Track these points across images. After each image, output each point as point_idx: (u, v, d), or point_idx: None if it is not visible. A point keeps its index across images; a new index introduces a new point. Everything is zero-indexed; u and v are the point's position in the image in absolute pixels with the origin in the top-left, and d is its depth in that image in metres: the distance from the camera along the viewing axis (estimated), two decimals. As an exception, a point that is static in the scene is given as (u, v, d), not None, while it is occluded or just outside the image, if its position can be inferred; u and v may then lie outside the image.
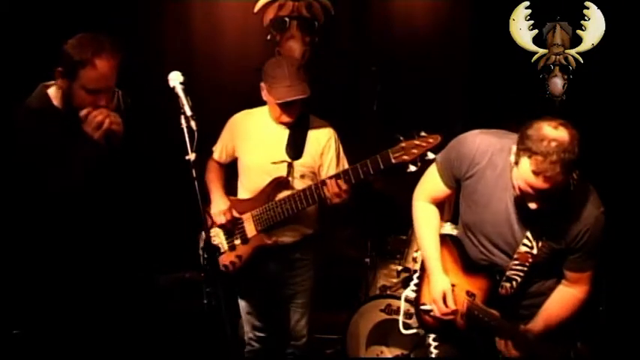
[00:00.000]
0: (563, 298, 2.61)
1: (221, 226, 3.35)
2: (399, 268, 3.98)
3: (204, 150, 3.35)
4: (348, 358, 3.91)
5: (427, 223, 2.83)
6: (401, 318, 2.99)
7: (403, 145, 3.00)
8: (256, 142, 3.31)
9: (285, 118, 3.23)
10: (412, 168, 3.00)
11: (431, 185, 2.79)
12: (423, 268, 2.86)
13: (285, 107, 3.18)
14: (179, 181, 2.47)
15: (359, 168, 3.09)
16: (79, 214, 2.67)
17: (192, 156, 2.42)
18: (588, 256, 2.53)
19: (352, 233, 4.54)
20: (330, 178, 3.14)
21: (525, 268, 2.56)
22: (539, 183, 2.31)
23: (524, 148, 2.31)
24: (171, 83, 2.53)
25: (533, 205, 2.38)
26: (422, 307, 2.81)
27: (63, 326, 2.71)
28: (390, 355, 3.84)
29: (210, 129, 3.34)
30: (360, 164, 3.09)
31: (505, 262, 2.60)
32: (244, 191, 3.39)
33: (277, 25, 4.58)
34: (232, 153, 3.40)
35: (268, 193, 3.28)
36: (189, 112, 2.45)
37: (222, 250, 3.35)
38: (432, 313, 2.77)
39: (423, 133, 3.00)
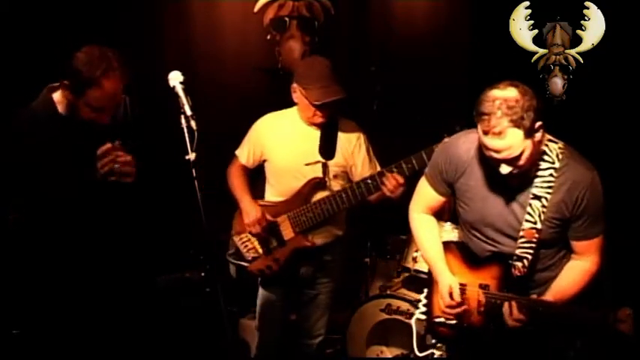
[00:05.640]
0: (573, 272, 2.59)
1: (255, 234, 3.31)
2: (399, 268, 3.99)
3: (204, 150, 3.34)
4: (348, 358, 3.91)
5: (426, 234, 2.84)
6: (415, 342, 2.99)
7: (447, 140, 2.99)
8: (288, 144, 3.27)
9: (319, 119, 3.21)
10: None
11: (424, 197, 2.82)
12: (431, 285, 2.84)
13: (320, 108, 3.16)
14: (179, 182, 2.47)
15: (403, 164, 3.11)
16: (79, 214, 2.67)
17: (192, 156, 2.42)
18: (592, 222, 2.51)
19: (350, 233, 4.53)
20: (373, 176, 3.16)
21: (534, 245, 2.54)
22: (492, 142, 2.32)
23: (476, 113, 2.34)
24: (171, 83, 2.53)
25: (503, 170, 2.37)
26: (435, 320, 2.78)
27: (62, 326, 2.71)
28: (390, 355, 3.84)
29: (211, 129, 3.32)
30: (405, 160, 3.11)
31: (513, 246, 2.59)
32: (275, 194, 3.35)
33: (277, 24, 4.58)
34: (260, 157, 3.35)
35: (305, 195, 3.26)
36: (189, 112, 2.46)
37: (256, 255, 3.33)
38: (444, 320, 2.73)
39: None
